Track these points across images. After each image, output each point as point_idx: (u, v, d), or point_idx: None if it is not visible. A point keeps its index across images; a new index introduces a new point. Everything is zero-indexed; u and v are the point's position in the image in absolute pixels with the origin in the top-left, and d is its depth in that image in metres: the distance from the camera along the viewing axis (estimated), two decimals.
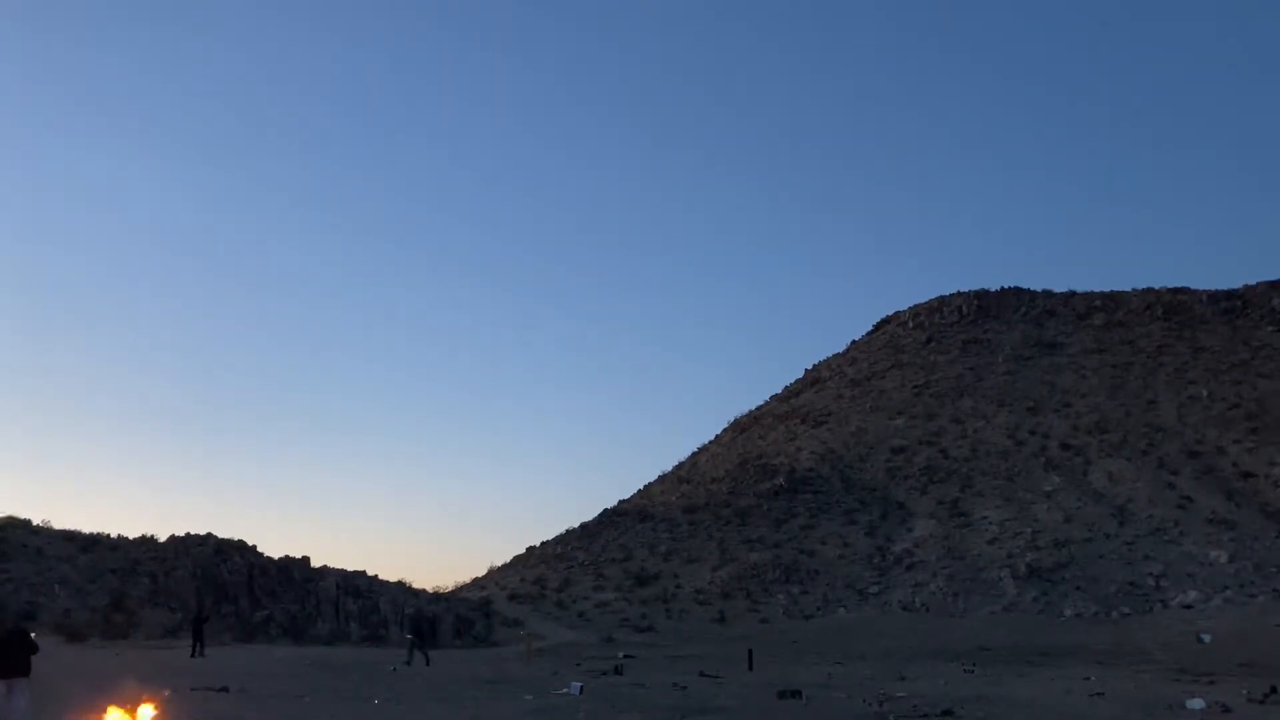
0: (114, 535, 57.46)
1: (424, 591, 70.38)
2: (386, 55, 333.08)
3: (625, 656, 50.99)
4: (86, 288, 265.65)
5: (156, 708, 13.30)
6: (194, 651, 36.01)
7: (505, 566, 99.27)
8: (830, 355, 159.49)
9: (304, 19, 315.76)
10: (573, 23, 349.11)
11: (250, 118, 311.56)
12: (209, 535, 58.06)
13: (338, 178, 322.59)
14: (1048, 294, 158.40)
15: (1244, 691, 31.15)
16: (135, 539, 57.61)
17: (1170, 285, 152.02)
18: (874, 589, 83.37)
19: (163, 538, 57.99)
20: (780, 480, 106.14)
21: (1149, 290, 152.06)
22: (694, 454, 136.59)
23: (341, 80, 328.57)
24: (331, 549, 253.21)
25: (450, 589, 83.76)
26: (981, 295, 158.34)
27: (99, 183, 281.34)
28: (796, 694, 29.68)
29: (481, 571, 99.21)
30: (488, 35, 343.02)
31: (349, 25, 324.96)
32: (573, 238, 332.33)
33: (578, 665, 43.69)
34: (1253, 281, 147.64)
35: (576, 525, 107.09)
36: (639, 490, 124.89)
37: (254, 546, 58.79)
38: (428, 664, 35.84)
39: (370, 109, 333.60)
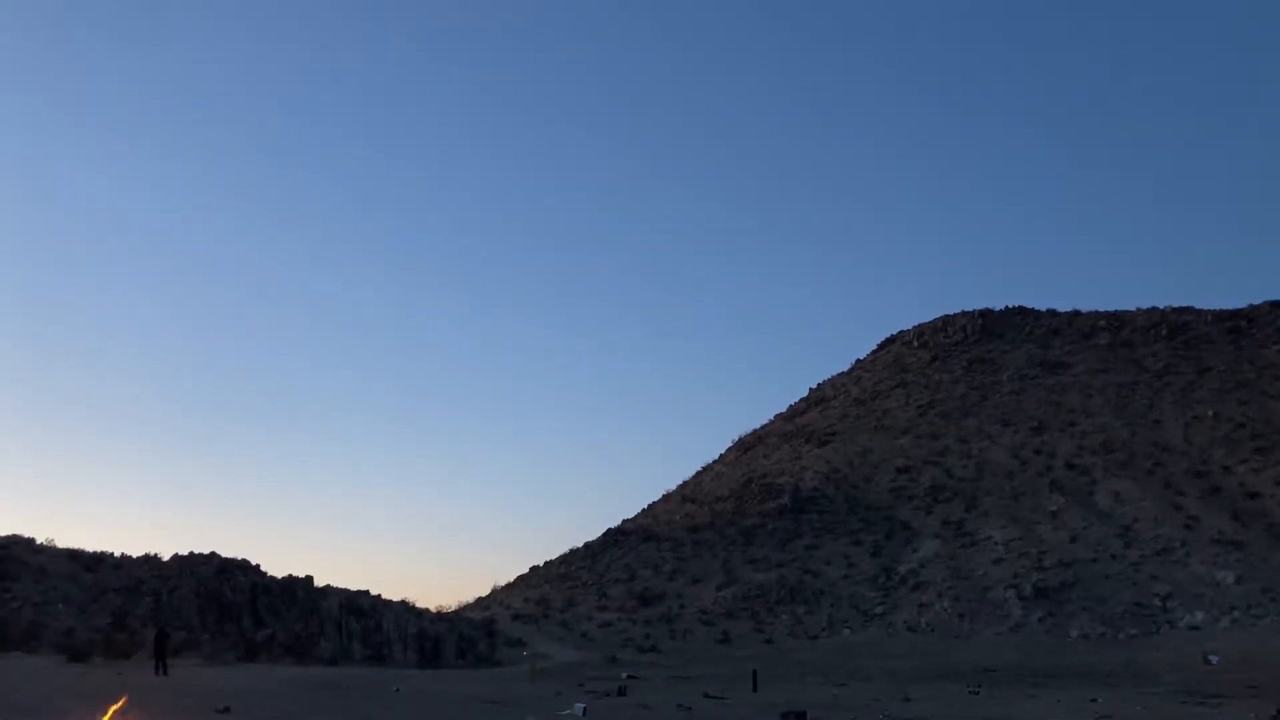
0: (117, 554, 57.37)
1: (427, 611, 70.16)
2: (390, 65, 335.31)
3: (629, 677, 50.78)
4: (90, 306, 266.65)
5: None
6: (157, 670, 36.00)
7: (509, 586, 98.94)
8: (835, 374, 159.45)
9: (302, 25, 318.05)
10: (580, 35, 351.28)
11: (255, 127, 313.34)
12: (212, 554, 57.94)
13: (346, 193, 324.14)
14: (1052, 313, 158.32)
15: (1252, 714, 30.96)
16: (138, 558, 57.49)
17: (1175, 305, 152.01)
18: (879, 609, 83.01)
19: (166, 557, 57.90)
20: (785, 500, 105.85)
21: (1154, 310, 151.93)
22: (698, 473, 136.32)
23: (343, 90, 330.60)
24: (335, 568, 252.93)
25: (454, 608, 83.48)
26: (986, 314, 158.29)
27: (106, 198, 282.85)
28: (801, 715, 29.55)
29: (485, 591, 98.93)
30: (502, 44, 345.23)
31: (347, 31, 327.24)
32: (577, 258, 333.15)
33: (581, 686, 43.52)
34: (1257, 301, 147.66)
35: (580, 545, 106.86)
36: (643, 509, 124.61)
37: (257, 566, 58.65)
38: None
39: (372, 120, 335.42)
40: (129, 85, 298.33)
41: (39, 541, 55.09)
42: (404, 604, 67.32)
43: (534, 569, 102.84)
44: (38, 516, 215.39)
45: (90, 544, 60.12)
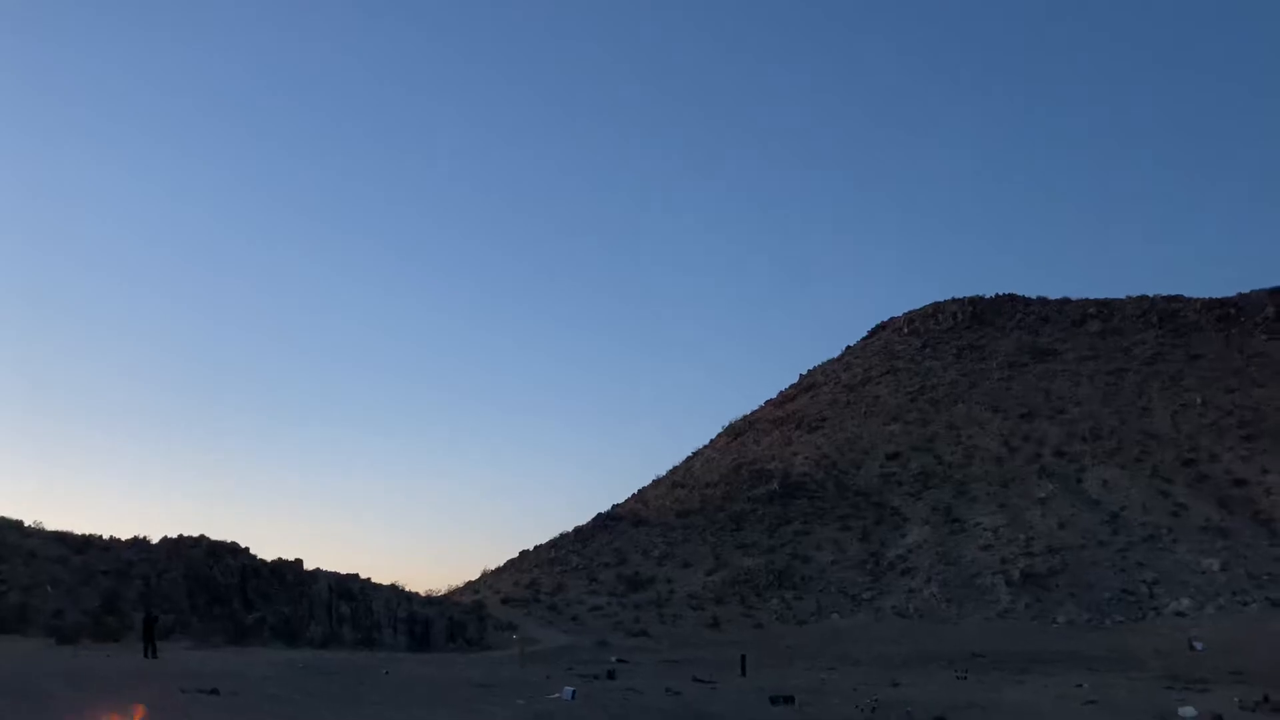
0: (106, 537, 57.07)
1: (417, 595, 70.20)
2: (387, 61, 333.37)
3: (618, 661, 50.92)
4: (81, 290, 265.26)
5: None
6: (145, 652, 35.97)
7: (498, 570, 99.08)
8: (825, 361, 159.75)
9: (307, 24, 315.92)
10: (569, 28, 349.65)
11: (253, 122, 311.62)
12: (202, 537, 57.71)
13: (332, 180, 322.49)
14: (1042, 301, 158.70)
15: (1236, 699, 31.19)
16: (127, 541, 57.20)
17: (1165, 293, 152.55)
18: (868, 594, 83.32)
19: (155, 539, 57.64)
20: (774, 485, 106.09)
21: (1143, 298, 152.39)
22: (688, 458, 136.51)
23: (343, 86, 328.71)
24: (324, 552, 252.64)
25: (443, 592, 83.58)
26: (976, 302, 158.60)
27: (93, 183, 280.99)
28: (789, 699, 29.66)
29: (475, 575, 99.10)
30: (485, 41, 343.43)
31: (348, 31, 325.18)
32: (568, 243, 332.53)
33: (570, 669, 43.59)
34: (1247, 289, 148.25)
35: (570, 529, 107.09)
36: (633, 494, 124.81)
37: (247, 549, 58.47)
38: None
39: (371, 115, 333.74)
40: (134, 79, 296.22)
41: (27, 524, 54.81)
42: (394, 588, 67.35)
43: (524, 553, 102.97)
44: (26, 499, 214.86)
45: (79, 527, 59.86)
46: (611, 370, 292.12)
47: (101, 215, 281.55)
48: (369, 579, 65.69)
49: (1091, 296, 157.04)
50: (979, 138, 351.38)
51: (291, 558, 60.55)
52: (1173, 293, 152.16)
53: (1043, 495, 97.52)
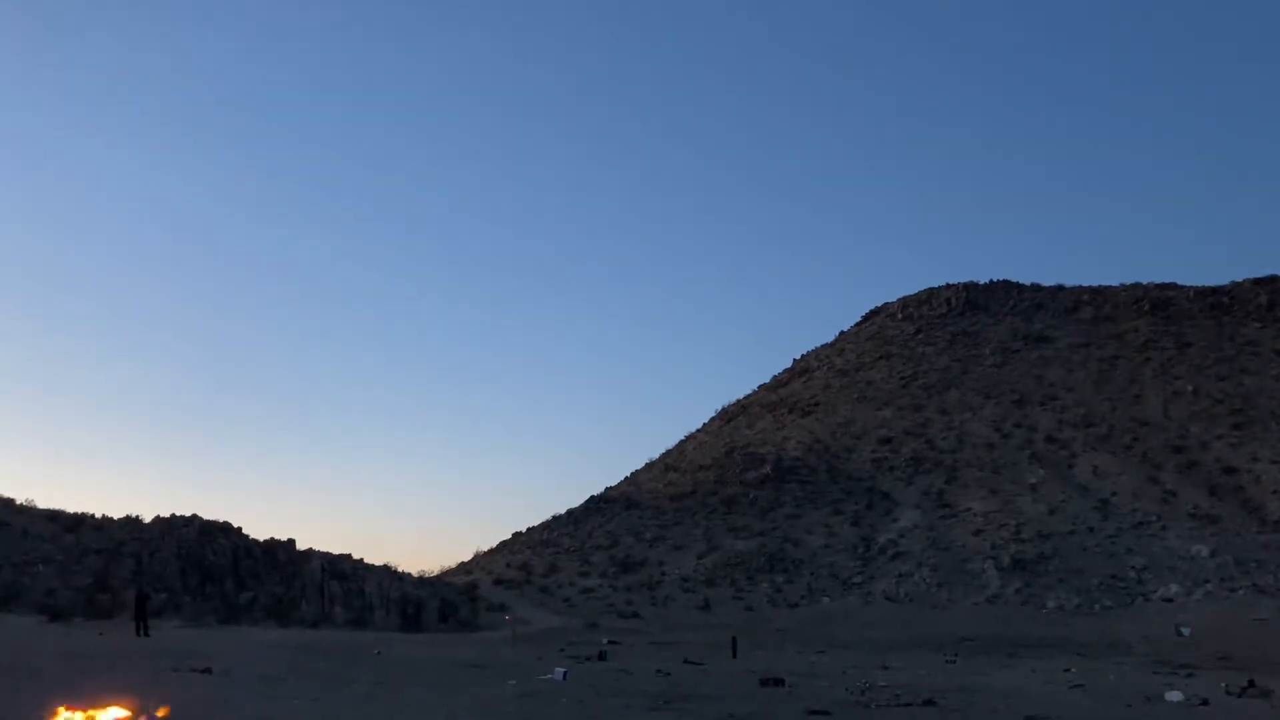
0: (98, 515, 57.08)
1: (409, 575, 70.30)
2: (392, 52, 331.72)
3: (610, 642, 51.10)
4: (76, 273, 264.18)
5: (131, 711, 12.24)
6: (138, 630, 36.04)
7: (491, 552, 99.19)
8: (819, 346, 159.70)
9: (319, 17, 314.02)
10: (560, 14, 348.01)
11: (258, 111, 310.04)
12: (194, 516, 57.69)
13: (325, 167, 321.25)
14: (1036, 287, 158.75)
15: (1222, 684, 31.42)
16: (120, 519, 57.17)
17: (1158, 281, 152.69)
18: (858, 579, 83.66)
19: (148, 519, 57.65)
20: (767, 469, 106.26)
21: (1136, 285, 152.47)
22: (682, 442, 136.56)
23: (348, 76, 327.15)
24: (317, 532, 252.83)
25: (436, 573, 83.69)
26: (970, 288, 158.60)
27: (92, 169, 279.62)
28: (779, 682, 29.76)
29: (467, 556, 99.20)
30: (480, 29, 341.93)
31: (361, 23, 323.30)
32: (563, 228, 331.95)
33: (562, 651, 43.71)
34: (1239, 278, 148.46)
35: (563, 512, 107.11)
36: (626, 477, 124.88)
37: (239, 528, 58.49)
38: None
39: (370, 105, 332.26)
40: (139, 70, 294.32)
41: (19, 502, 54.74)
42: (386, 568, 67.45)
43: (516, 535, 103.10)
44: (18, 477, 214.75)
45: (71, 505, 59.78)
46: (605, 353, 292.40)
47: (104, 200, 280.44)
48: (361, 559, 65.83)
49: (1085, 284, 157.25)
50: (974, 124, 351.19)
51: (284, 538, 60.64)
52: (1166, 280, 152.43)
53: (1034, 481, 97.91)
